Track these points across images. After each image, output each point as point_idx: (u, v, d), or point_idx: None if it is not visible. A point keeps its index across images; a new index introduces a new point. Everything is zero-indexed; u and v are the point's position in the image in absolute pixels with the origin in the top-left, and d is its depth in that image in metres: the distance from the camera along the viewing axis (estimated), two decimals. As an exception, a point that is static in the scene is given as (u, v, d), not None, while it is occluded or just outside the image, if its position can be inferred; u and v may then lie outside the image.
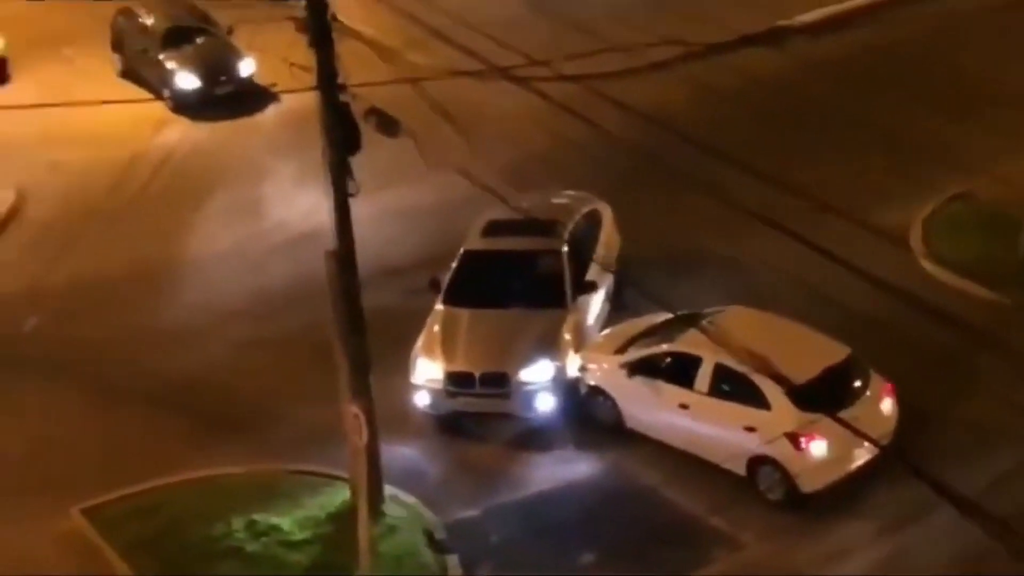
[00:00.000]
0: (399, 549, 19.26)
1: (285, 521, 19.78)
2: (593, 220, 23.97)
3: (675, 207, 25.34)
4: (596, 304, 22.86)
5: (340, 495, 19.97)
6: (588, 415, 21.54)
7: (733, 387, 19.89)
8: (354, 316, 19.38)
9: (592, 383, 21.50)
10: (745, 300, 21.98)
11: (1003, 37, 31.14)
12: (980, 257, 24.00)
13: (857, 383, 19.99)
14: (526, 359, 21.54)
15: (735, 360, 19.56)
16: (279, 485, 20.61)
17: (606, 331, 22.39)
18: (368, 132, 18.77)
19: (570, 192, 24.70)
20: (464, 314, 22.29)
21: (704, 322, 20.38)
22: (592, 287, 22.56)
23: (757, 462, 19.72)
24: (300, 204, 26.85)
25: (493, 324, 22.14)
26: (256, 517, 19.82)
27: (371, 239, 22.21)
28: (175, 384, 23.16)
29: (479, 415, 21.79)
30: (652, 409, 20.78)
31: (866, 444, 18.76)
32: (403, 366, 21.82)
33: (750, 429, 19.61)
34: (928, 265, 24.15)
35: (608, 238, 24.04)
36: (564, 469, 20.97)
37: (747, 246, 24.22)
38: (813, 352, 20.21)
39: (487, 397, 21.55)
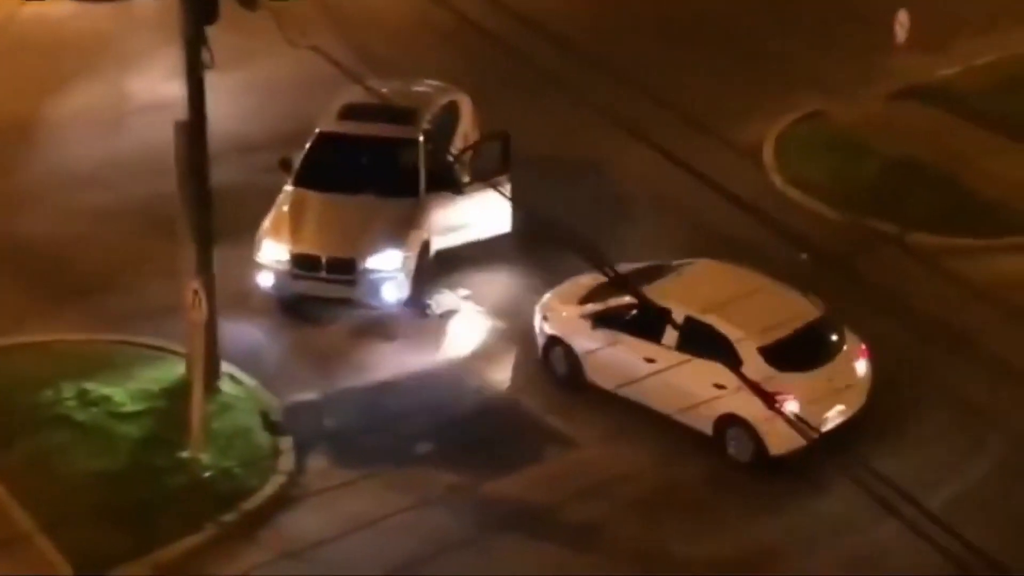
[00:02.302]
0: (232, 427, 19.11)
1: (117, 392, 19.48)
2: (452, 111, 23.75)
3: (539, 109, 25.19)
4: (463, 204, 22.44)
5: (176, 370, 19.74)
6: (545, 365, 20.52)
7: (703, 342, 18.82)
8: (200, 190, 19.05)
9: (551, 333, 20.36)
10: (603, 205, 21.99)
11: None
12: (828, 177, 24.32)
13: (832, 342, 19.27)
14: (374, 247, 21.35)
15: (708, 314, 18.92)
16: (114, 356, 20.29)
17: (567, 281, 21.05)
18: (227, 3, 18.35)
19: (431, 81, 24.42)
20: (314, 197, 22.01)
21: (672, 275, 19.85)
22: (456, 187, 22.24)
23: (725, 422, 18.84)
24: (154, 73, 26.23)
25: (343, 209, 21.90)
26: (88, 386, 19.50)
27: (224, 114, 21.76)
28: (14, 247, 22.60)
29: (323, 300, 21.62)
30: (615, 363, 19.66)
31: (838, 406, 18.48)
32: (248, 244, 21.54)
33: (719, 387, 18.52)
34: (779, 182, 24.42)
35: (467, 131, 23.85)
36: (406, 360, 20.92)
37: (608, 153, 24.23)
38: (787, 309, 19.39)
39: (332, 282, 21.37)
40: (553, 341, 20.37)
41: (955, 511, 15.72)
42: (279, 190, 22.20)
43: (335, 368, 20.69)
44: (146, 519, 17.73)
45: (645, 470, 19.06)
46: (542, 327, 20.54)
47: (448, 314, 21.77)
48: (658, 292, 19.20)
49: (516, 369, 20.74)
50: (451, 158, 22.41)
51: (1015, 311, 21.24)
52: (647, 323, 19.27)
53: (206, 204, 19.11)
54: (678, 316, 18.98)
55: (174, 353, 19.99)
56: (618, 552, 17.84)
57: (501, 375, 20.68)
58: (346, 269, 21.27)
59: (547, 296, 20.79)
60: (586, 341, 19.90)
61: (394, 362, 20.88)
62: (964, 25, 28.12)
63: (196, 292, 17.99)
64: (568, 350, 20.20)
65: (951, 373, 20.24)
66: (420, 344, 21.24)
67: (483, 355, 20.99)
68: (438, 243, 22.18)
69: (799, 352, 18.82)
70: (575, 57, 23.28)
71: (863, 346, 19.46)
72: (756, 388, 16.26)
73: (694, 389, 18.79)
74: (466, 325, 21.57)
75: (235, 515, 17.95)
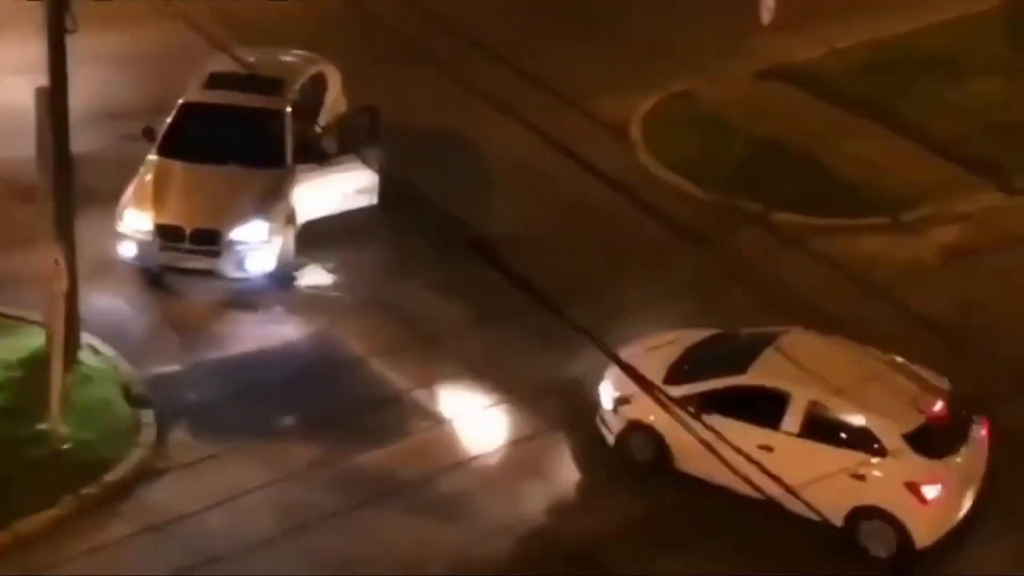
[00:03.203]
0: (93, 399, 18.78)
1: (-27, 362, 19.10)
2: (320, 82, 23.55)
3: (411, 82, 25.07)
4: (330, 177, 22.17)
5: (34, 340, 19.32)
6: (623, 454, 18.68)
7: (834, 429, 17.40)
8: (61, 158, 18.67)
9: (635, 418, 18.35)
10: (474, 180, 21.78)
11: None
12: (694, 155, 24.52)
13: (964, 420, 17.91)
14: (239, 218, 21.09)
15: (835, 397, 17.48)
16: (-30, 325, 19.87)
17: (629, 353, 18.57)
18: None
19: (299, 51, 24.18)
20: (178, 167, 21.67)
21: (769, 349, 18.18)
22: (324, 157, 22.01)
23: (861, 514, 17.27)
24: (13, 36, 25.63)
25: (208, 180, 21.60)
26: (-60, 355, 19.11)
27: (87, 80, 21.38)
28: None
29: (186, 271, 21.33)
30: (721, 452, 17.55)
31: (972, 487, 17.56)
32: (110, 214, 21.17)
33: (858, 477, 17.18)
34: (645, 159, 24.57)
35: (334, 102, 23.66)
36: (271, 332, 20.75)
37: (479, 127, 24.17)
38: (916, 387, 17.87)
39: (197, 253, 21.08)
40: (635, 427, 18.46)
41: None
42: (142, 159, 21.85)
43: (198, 340, 20.43)
44: (3, 491, 17.36)
45: (511, 444, 19.09)
46: (619, 411, 18.59)
47: (313, 286, 21.61)
48: (771, 372, 17.86)
49: (380, 340, 20.55)
50: (318, 129, 22.23)
51: (874, 289, 21.60)
52: (760, 406, 17.70)
53: (67, 172, 18.74)
54: (800, 400, 17.52)
55: (33, 323, 19.58)
56: (484, 526, 17.80)
57: (365, 347, 20.53)
58: (211, 240, 21.00)
59: (615, 377, 18.52)
60: (680, 428, 17.43)
61: (258, 334, 20.68)
62: (827, 9, 28.51)
63: (57, 262, 17.64)
64: (655, 436, 18.32)
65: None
66: (284, 316, 21.07)
67: (347, 327, 20.84)
68: (304, 215, 21.99)
69: (940, 435, 17.49)
70: (449, 32, 23.26)
71: (984, 419, 18.22)
72: (908, 482, 16.19)
73: (823, 479, 16.88)
74: (331, 296, 21.41)
75: (95, 488, 17.66)
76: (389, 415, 19.43)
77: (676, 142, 24.88)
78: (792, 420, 17.57)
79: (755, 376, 17.83)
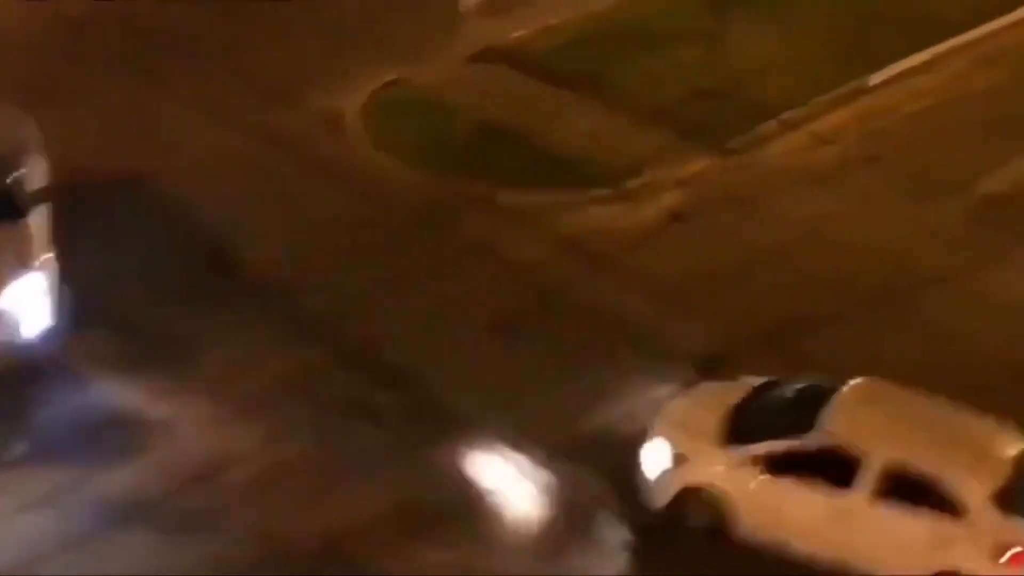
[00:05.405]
0: None
1: None
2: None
3: (96, 107, 24.25)
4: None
5: None
6: (676, 520, 17.47)
7: (912, 490, 16.44)
8: None
9: (694, 482, 17.20)
10: (180, 182, 21.18)
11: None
12: (415, 141, 24.47)
13: None
14: (8, 277, 19.26)
15: (914, 457, 16.52)
16: None
17: (670, 410, 18.09)
18: None
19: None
20: None
21: (834, 402, 17.10)
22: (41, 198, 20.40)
23: None
24: None
25: None
26: None
27: None
28: None
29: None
30: (792, 515, 16.79)
31: None
32: None
33: (940, 541, 16.38)
34: (366, 149, 24.40)
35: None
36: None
37: (184, 135, 23.67)
38: (994, 443, 16.97)
39: None
40: (691, 491, 17.27)
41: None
42: None
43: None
44: None
45: (252, 451, 18.74)
46: (675, 473, 17.40)
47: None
48: (842, 431, 16.82)
49: (110, 358, 19.92)
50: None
51: (602, 259, 21.92)
52: (833, 467, 16.68)
53: None
54: (875, 460, 16.52)
55: None
56: (233, 536, 17.51)
57: (98, 367, 19.83)
58: None
59: (666, 435, 17.60)
60: (750, 491, 16.97)
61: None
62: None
63: None
64: (714, 500, 17.18)
65: (547, 326, 20.72)
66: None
67: (79, 346, 20.10)
68: None
69: (1021, 492, 16.68)
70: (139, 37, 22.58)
71: None
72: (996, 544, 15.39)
73: (903, 544, 16.41)
74: (61, 318, 20.59)
75: None
76: (127, 432, 18.90)
77: (395, 130, 24.78)
78: (867, 481, 16.57)
79: (824, 435, 16.76)
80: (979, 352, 20.15)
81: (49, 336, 19.55)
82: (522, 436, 18.67)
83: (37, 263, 19.62)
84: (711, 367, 18.93)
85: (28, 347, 19.51)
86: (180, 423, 19.09)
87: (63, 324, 19.66)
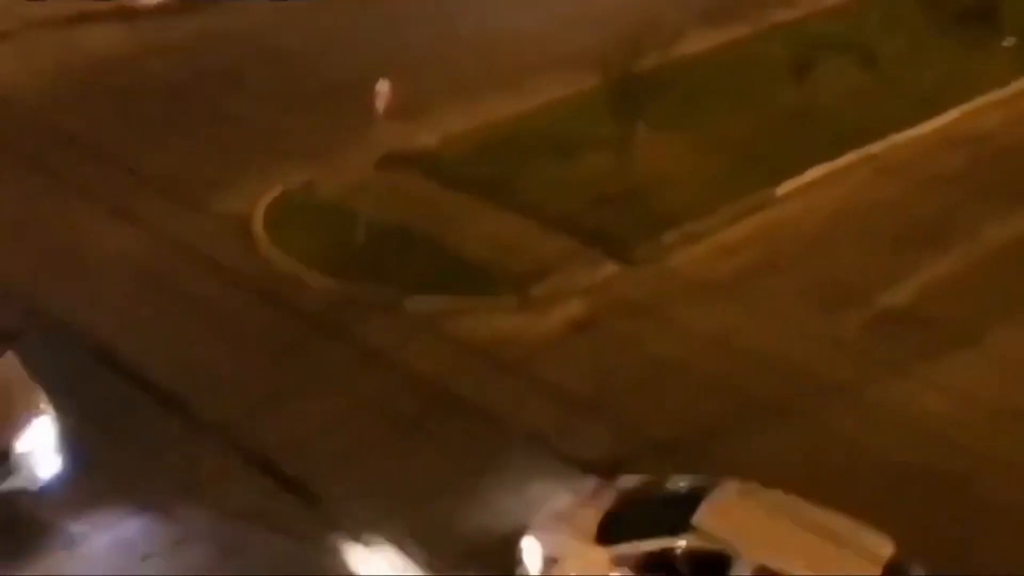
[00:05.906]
0: None
1: None
2: None
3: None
4: None
5: None
6: None
7: None
8: None
9: None
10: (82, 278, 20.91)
11: (332, 25, 32.32)
12: (321, 245, 24.39)
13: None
14: (20, 425, 18.29)
15: (783, 561, 16.39)
16: None
17: (548, 509, 18.11)
18: None
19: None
20: None
21: (707, 504, 17.05)
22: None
23: None
24: None
25: None
26: None
27: None
28: None
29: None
30: None
31: None
32: None
33: None
34: (269, 253, 24.28)
35: None
36: None
37: (89, 236, 23.43)
38: (860, 544, 16.88)
39: None
40: None
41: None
42: None
43: None
44: None
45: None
46: (543, 569, 17.36)
47: None
48: (714, 532, 16.70)
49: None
50: None
51: (505, 366, 21.85)
52: (701, 567, 16.62)
53: None
54: (747, 563, 16.45)
55: None
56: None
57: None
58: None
59: (539, 535, 17.60)
60: None
61: None
62: (437, 95, 28.97)
63: None
64: None
65: (448, 432, 20.56)
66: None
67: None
68: None
69: None
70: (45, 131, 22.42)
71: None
72: None
73: None
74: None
75: None
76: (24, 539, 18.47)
77: (300, 234, 24.70)
78: None
79: (697, 536, 16.70)
80: (863, 459, 20.28)
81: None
82: (414, 541, 18.46)
83: (44, 404, 18.75)
84: (609, 473, 18.83)
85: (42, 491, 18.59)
86: (78, 530, 18.61)
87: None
